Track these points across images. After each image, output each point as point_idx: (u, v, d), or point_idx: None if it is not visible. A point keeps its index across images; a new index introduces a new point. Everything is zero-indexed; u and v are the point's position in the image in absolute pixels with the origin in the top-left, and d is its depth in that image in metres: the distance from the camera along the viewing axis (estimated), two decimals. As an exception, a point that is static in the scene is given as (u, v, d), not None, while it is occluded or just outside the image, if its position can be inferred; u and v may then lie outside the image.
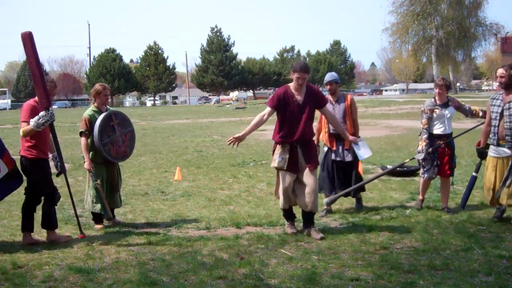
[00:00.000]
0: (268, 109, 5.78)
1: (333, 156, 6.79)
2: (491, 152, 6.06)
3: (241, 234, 5.82)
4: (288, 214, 5.97)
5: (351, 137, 6.53)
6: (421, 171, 6.92)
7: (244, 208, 7.19)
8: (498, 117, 5.92)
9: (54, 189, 5.70)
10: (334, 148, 6.76)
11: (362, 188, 6.99)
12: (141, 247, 5.42)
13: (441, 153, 6.71)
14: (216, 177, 10.14)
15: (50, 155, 5.79)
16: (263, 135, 19.51)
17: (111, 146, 6.32)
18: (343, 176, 6.79)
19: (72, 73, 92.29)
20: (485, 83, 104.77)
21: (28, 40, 5.25)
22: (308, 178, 5.72)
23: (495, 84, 78.84)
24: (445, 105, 6.67)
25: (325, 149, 6.94)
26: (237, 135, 5.70)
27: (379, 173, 6.74)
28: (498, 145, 5.95)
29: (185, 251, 5.23)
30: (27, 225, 5.66)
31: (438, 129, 6.66)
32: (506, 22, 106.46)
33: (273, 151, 5.87)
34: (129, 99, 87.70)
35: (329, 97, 6.74)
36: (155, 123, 29.73)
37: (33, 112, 5.42)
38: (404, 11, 51.77)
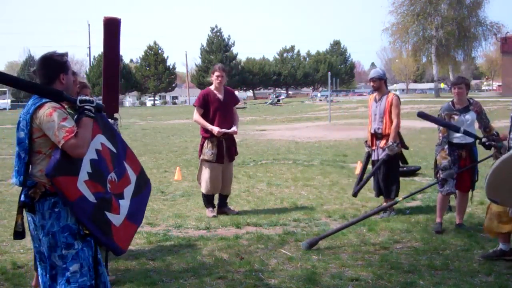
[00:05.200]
0: (196, 108, 6.87)
1: (373, 156, 6.75)
2: None
3: (241, 234, 5.83)
4: (210, 200, 6.84)
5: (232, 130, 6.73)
6: (437, 185, 5.85)
7: (244, 208, 7.19)
8: None
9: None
10: (374, 148, 6.73)
11: (395, 192, 6.55)
12: (141, 247, 5.42)
13: (462, 165, 5.71)
14: (216, 177, 10.12)
15: None
16: (263, 135, 19.55)
17: None
18: (381, 175, 6.64)
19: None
20: (485, 83, 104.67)
21: (115, 28, 4.08)
22: (227, 167, 6.81)
23: (495, 84, 78.58)
24: (465, 109, 5.66)
25: (367, 149, 6.88)
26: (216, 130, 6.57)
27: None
28: None
29: (185, 251, 5.23)
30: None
31: (457, 138, 5.65)
32: (506, 22, 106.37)
33: (201, 145, 6.79)
34: (129, 99, 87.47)
35: (374, 93, 6.82)
36: (155, 123, 29.71)
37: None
38: (404, 11, 51.82)
